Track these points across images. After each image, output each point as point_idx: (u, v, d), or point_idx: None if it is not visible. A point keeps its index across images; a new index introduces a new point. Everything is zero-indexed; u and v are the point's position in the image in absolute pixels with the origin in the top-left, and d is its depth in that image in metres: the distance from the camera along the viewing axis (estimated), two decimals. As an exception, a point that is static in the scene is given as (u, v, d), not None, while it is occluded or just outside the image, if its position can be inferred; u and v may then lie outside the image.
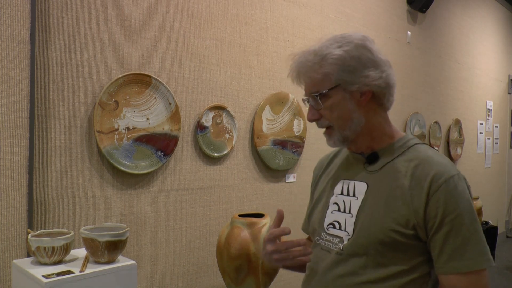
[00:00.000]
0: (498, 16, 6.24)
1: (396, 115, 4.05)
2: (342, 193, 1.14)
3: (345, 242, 1.07)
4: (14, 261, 1.66)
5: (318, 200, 1.22)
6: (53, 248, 1.57)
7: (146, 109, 2.15)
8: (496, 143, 6.31)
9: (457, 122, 5.08)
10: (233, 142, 2.56)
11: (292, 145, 2.91)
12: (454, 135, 5.02)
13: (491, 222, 5.08)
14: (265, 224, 2.23)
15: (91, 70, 1.99)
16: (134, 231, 2.15)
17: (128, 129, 2.09)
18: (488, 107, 5.97)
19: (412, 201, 1.00)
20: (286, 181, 2.93)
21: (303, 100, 1.14)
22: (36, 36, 1.81)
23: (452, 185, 0.98)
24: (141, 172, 2.14)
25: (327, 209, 1.16)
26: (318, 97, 1.07)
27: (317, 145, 3.13)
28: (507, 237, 6.45)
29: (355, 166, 1.15)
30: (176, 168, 2.32)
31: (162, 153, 2.21)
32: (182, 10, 2.34)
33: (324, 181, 1.24)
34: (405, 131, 4.17)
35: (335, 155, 1.28)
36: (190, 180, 2.38)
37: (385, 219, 1.02)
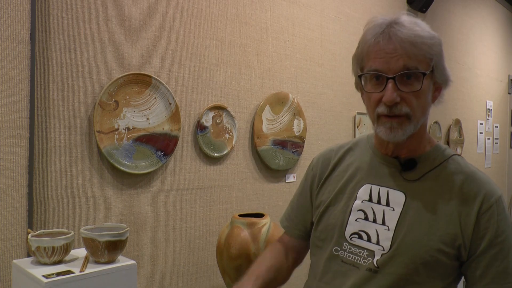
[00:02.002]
0: (498, 16, 6.24)
1: (396, 115, 4.05)
2: (370, 200, 1.00)
3: (378, 257, 0.95)
4: (14, 261, 1.66)
5: (332, 203, 1.06)
6: (53, 248, 1.57)
7: (146, 109, 2.15)
8: (496, 143, 6.31)
9: (457, 122, 5.08)
10: (233, 142, 2.56)
11: (292, 145, 2.91)
12: (454, 135, 5.02)
13: (491, 222, 5.09)
14: (265, 224, 2.23)
15: (91, 70, 1.99)
16: (134, 231, 2.15)
17: (128, 129, 2.09)
18: (488, 107, 5.97)
19: (460, 219, 0.92)
20: (286, 181, 2.93)
21: (366, 75, 0.95)
22: (36, 36, 1.81)
23: (502, 206, 0.93)
24: (141, 172, 2.14)
25: (349, 215, 1.01)
26: (423, 77, 0.91)
27: (317, 145, 3.13)
28: (507, 237, 6.46)
29: (386, 171, 1.01)
30: (176, 168, 2.32)
31: (162, 153, 2.21)
32: (182, 10, 2.34)
33: (338, 181, 1.08)
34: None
35: (346, 152, 1.12)
36: (190, 180, 2.38)
37: (431, 237, 0.92)
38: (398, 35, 0.90)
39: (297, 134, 2.95)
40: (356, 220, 1.00)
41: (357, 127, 3.52)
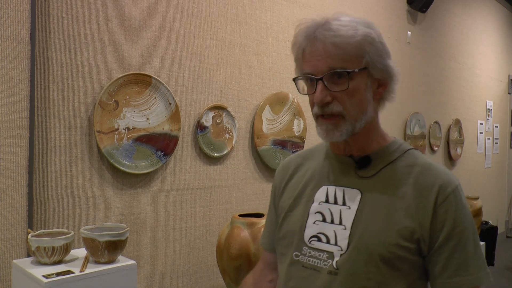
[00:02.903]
0: (498, 16, 6.24)
1: (396, 115, 4.06)
2: (327, 201, 0.98)
3: (337, 258, 0.92)
4: (14, 261, 1.66)
5: (291, 209, 1.04)
6: (53, 248, 1.57)
7: (146, 109, 2.15)
8: (496, 143, 6.31)
9: (457, 122, 5.08)
10: (233, 142, 2.56)
11: (292, 145, 2.91)
12: (454, 135, 5.02)
13: (491, 222, 5.08)
14: (265, 224, 2.23)
15: (91, 70, 1.99)
16: (134, 231, 2.15)
17: (128, 129, 2.09)
18: (488, 107, 5.97)
19: (417, 212, 0.90)
20: (286, 181, 2.93)
21: (299, 78, 0.97)
22: (36, 36, 1.81)
23: (459, 195, 0.91)
24: (141, 172, 2.14)
25: (307, 219, 0.99)
26: (348, 76, 0.90)
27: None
28: (507, 237, 6.46)
29: (342, 170, 1.00)
30: (176, 168, 2.32)
31: (162, 153, 2.21)
32: (182, 10, 2.34)
33: (296, 187, 1.06)
34: (405, 131, 4.18)
35: (304, 158, 1.11)
36: (190, 180, 2.38)
37: (388, 232, 0.90)
38: (321, 38, 0.90)
39: (297, 134, 2.95)
40: (314, 222, 0.98)
41: (357, 127, 3.52)
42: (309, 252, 0.97)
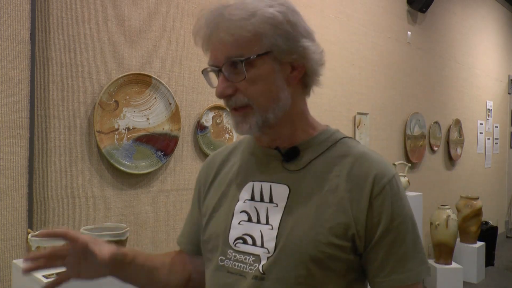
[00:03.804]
0: (498, 16, 6.24)
1: (396, 115, 4.06)
2: (253, 199, 0.88)
3: (264, 261, 0.82)
4: (14, 261, 1.66)
5: (216, 209, 0.94)
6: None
7: (146, 109, 2.15)
8: (496, 143, 6.32)
9: (457, 122, 5.08)
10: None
11: (292, 145, 2.91)
12: (454, 135, 5.02)
13: (491, 222, 5.09)
14: (265, 224, 2.23)
15: (91, 70, 1.99)
16: (134, 231, 2.15)
17: (128, 129, 2.09)
18: (488, 107, 5.97)
19: (351, 206, 0.81)
20: (286, 181, 2.93)
21: (207, 70, 0.91)
22: (36, 36, 1.81)
23: (395, 186, 0.83)
24: (141, 172, 2.14)
25: (231, 219, 0.89)
26: (244, 64, 0.81)
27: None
28: (507, 237, 6.46)
29: (268, 164, 0.90)
30: (176, 168, 2.32)
31: (162, 153, 2.21)
32: (182, 10, 2.34)
33: (221, 185, 0.96)
34: (405, 131, 4.17)
35: (230, 152, 1.01)
36: (190, 180, 2.38)
37: (318, 230, 0.80)
38: (217, 25, 0.82)
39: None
40: (239, 223, 0.88)
41: (357, 127, 3.52)
42: (234, 256, 0.86)
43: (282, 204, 0.85)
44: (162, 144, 2.21)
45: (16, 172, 1.77)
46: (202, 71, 0.92)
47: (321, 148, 0.88)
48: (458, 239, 4.30)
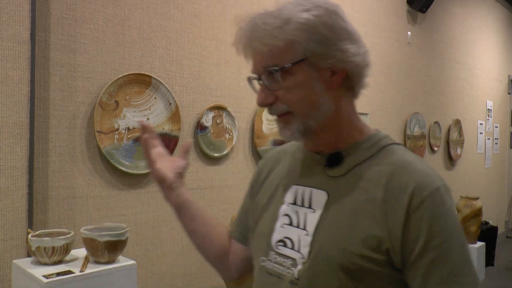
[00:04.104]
0: (498, 16, 6.24)
1: (396, 115, 4.06)
2: (295, 203, 0.89)
3: (300, 267, 0.83)
4: (14, 261, 1.66)
5: (265, 208, 0.96)
6: (53, 248, 1.57)
7: (146, 109, 2.15)
8: (496, 143, 6.31)
9: (457, 122, 5.08)
10: (233, 142, 2.56)
11: (292, 145, 2.91)
12: (454, 135, 5.02)
13: (491, 222, 5.09)
14: (265, 224, 2.23)
15: (91, 70, 1.99)
16: (134, 231, 2.15)
17: (128, 129, 2.09)
18: (488, 107, 5.97)
19: (386, 219, 0.77)
20: (286, 181, 2.93)
21: (250, 79, 0.89)
22: (36, 36, 1.81)
23: (439, 200, 0.77)
24: (141, 172, 2.14)
25: (276, 221, 0.90)
26: (278, 73, 0.81)
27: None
28: (507, 237, 6.46)
29: (312, 169, 0.90)
30: (176, 168, 2.31)
31: (162, 153, 2.21)
32: (182, 10, 2.34)
33: (271, 186, 0.98)
34: (405, 131, 4.17)
35: (283, 153, 1.03)
36: (190, 180, 2.38)
37: (350, 241, 0.78)
38: (251, 32, 0.82)
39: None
40: (282, 226, 0.89)
41: (357, 127, 3.52)
42: (275, 258, 0.88)
43: (319, 210, 0.84)
44: (162, 144, 2.20)
45: (16, 172, 1.77)
46: (247, 79, 0.91)
47: (364, 155, 0.85)
48: (458, 239, 4.29)
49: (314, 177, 0.88)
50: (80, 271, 1.54)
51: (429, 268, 0.75)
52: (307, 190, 0.88)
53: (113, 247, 1.62)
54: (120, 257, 1.71)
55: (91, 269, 1.57)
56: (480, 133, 5.78)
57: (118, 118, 2.06)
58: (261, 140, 2.72)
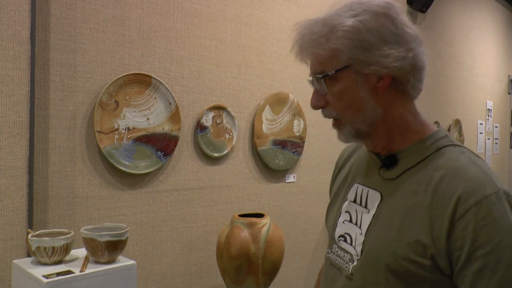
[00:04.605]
0: (498, 16, 6.24)
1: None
2: (355, 201, 0.92)
3: (354, 263, 0.87)
4: (14, 261, 1.66)
5: (333, 202, 1.02)
6: (53, 248, 1.57)
7: (146, 109, 2.15)
8: (496, 143, 6.31)
9: (457, 122, 5.09)
10: (233, 142, 2.56)
11: (292, 145, 2.91)
12: (454, 135, 5.03)
13: (491, 222, 5.09)
14: (265, 224, 2.23)
15: (91, 70, 1.99)
16: (134, 231, 2.15)
17: (128, 129, 2.09)
18: (488, 107, 5.97)
19: (432, 225, 0.77)
20: (286, 181, 2.93)
21: (309, 80, 0.92)
22: (36, 36, 1.81)
23: (486, 209, 0.74)
24: (141, 172, 2.14)
25: (339, 216, 0.96)
26: (323, 80, 0.84)
27: (317, 145, 3.13)
28: (507, 237, 6.46)
29: (371, 170, 0.92)
30: (176, 168, 2.32)
31: (162, 153, 2.21)
32: (182, 10, 2.34)
33: (340, 179, 1.03)
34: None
35: (355, 150, 1.05)
36: (190, 180, 2.38)
37: (398, 244, 0.80)
38: (301, 41, 0.86)
39: (297, 134, 2.95)
40: (343, 222, 0.94)
41: (357, 127, 3.52)
42: (337, 252, 0.94)
43: (372, 211, 0.87)
44: (162, 144, 2.21)
45: (16, 172, 1.77)
46: (308, 81, 0.93)
47: (419, 157, 0.85)
48: (458, 239, 4.30)
49: (372, 177, 0.91)
50: (80, 271, 1.54)
51: (476, 278, 0.74)
52: (365, 189, 0.91)
53: (113, 247, 1.62)
54: (120, 257, 1.71)
55: (91, 269, 1.57)
56: (480, 133, 5.78)
57: (118, 118, 2.06)
58: (261, 140, 2.72)
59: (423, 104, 4.45)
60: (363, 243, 0.86)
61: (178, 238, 2.34)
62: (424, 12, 4.36)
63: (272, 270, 2.23)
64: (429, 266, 0.78)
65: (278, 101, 2.83)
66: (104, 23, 2.03)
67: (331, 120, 0.91)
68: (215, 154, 2.47)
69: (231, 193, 2.60)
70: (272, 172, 2.83)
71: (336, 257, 0.94)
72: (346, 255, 0.91)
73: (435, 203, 0.78)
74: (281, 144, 2.84)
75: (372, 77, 0.83)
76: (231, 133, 2.55)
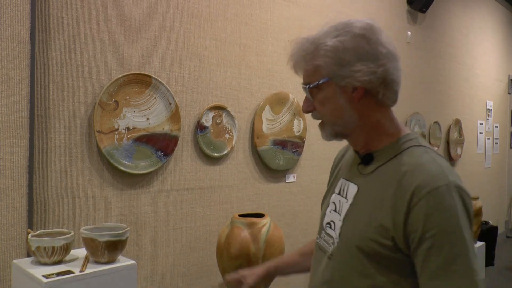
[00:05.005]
0: (498, 16, 6.24)
1: (396, 115, 4.05)
2: (339, 193, 1.09)
3: (335, 245, 1.03)
4: (14, 261, 1.66)
5: (326, 196, 1.18)
6: (53, 248, 1.57)
7: (146, 109, 2.15)
8: (496, 143, 6.31)
9: (457, 122, 5.08)
10: (233, 142, 2.56)
11: (292, 145, 2.91)
12: (454, 135, 5.02)
13: (491, 222, 5.08)
14: (265, 224, 2.23)
15: (91, 70, 1.99)
16: (134, 231, 2.15)
17: (128, 129, 2.09)
18: (488, 107, 5.97)
19: (393, 211, 0.92)
20: (286, 181, 2.93)
21: (303, 87, 1.08)
22: (36, 36, 1.81)
23: (436, 198, 0.88)
24: (141, 172, 2.14)
25: (328, 207, 1.12)
26: (309, 90, 1.02)
27: (317, 145, 3.13)
28: (507, 237, 6.46)
29: (352, 166, 1.09)
30: (176, 168, 2.32)
31: (162, 153, 2.21)
32: (182, 10, 2.34)
33: (334, 175, 1.20)
34: (405, 131, 4.17)
35: (346, 150, 1.22)
36: (190, 180, 2.38)
37: (367, 228, 0.95)
38: (292, 56, 1.03)
39: (297, 134, 2.95)
40: (330, 211, 1.10)
41: (357, 127, 3.52)
42: (324, 237, 1.10)
43: (350, 200, 1.04)
44: (162, 144, 2.21)
45: (16, 172, 1.77)
46: (302, 88, 1.10)
47: (390, 155, 1.00)
48: (458, 239, 4.29)
49: (352, 172, 1.08)
50: (80, 271, 1.54)
51: (426, 255, 0.88)
52: (347, 183, 1.08)
53: (113, 247, 1.62)
54: (120, 257, 1.71)
55: (91, 269, 1.57)
56: (480, 133, 5.78)
57: (118, 118, 2.06)
58: (261, 140, 2.73)
59: (423, 104, 4.46)
60: (340, 227, 1.03)
61: (178, 238, 2.34)
62: (424, 12, 4.36)
63: (272, 270, 2.22)
64: (391, 247, 0.92)
65: (278, 101, 2.83)
66: (104, 23, 2.03)
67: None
68: (215, 154, 2.47)
69: (231, 193, 2.60)
70: (272, 172, 2.83)
71: (323, 242, 1.09)
72: (330, 239, 1.06)
73: (398, 193, 0.93)
74: (281, 144, 2.84)
75: (348, 88, 0.99)
76: (231, 133, 2.55)
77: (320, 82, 0.99)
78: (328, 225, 1.08)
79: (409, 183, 0.91)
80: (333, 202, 1.10)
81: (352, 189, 1.04)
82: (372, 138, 1.03)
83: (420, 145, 1.00)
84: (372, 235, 0.94)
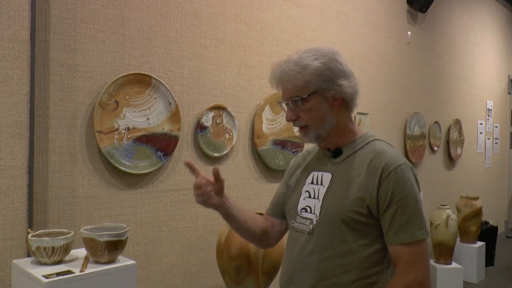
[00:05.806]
0: (498, 16, 6.24)
1: (396, 115, 4.06)
2: (312, 183, 1.34)
3: (314, 223, 1.27)
4: (14, 261, 1.66)
5: (293, 189, 1.40)
6: (53, 248, 1.57)
7: (146, 109, 2.15)
8: (496, 143, 6.31)
9: (457, 122, 5.08)
10: (233, 142, 2.56)
11: (292, 145, 2.91)
12: (454, 135, 5.02)
13: (491, 222, 5.09)
14: (265, 224, 2.23)
15: (91, 70, 1.99)
16: (134, 231, 2.15)
17: (128, 129, 2.09)
18: (488, 107, 5.97)
19: (367, 186, 1.21)
20: (286, 181, 2.93)
21: (280, 103, 1.33)
22: (36, 36, 1.81)
23: (399, 173, 1.20)
24: (141, 172, 2.14)
25: (300, 196, 1.35)
26: (299, 101, 1.25)
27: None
28: (507, 237, 6.45)
29: (323, 160, 1.36)
30: (176, 168, 2.32)
31: (162, 153, 2.21)
32: (182, 10, 2.34)
33: (299, 173, 1.42)
34: (405, 131, 4.18)
35: (309, 153, 1.47)
36: (190, 180, 2.38)
37: (345, 202, 1.22)
38: (281, 75, 1.27)
39: (297, 134, 2.95)
40: (304, 199, 1.33)
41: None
42: (300, 220, 1.32)
43: (326, 185, 1.29)
44: (162, 144, 2.21)
45: (16, 172, 1.77)
46: (279, 103, 1.37)
47: (355, 148, 1.30)
48: (458, 239, 4.30)
49: (325, 165, 1.34)
50: (80, 271, 1.54)
51: (393, 216, 1.19)
52: (320, 173, 1.34)
53: (113, 247, 1.62)
54: (120, 257, 1.71)
55: (91, 269, 1.57)
56: (480, 133, 5.78)
57: (118, 118, 2.06)
58: (261, 140, 2.72)
59: (423, 104, 4.46)
60: (320, 207, 1.27)
61: (178, 238, 2.34)
62: (424, 12, 4.36)
63: (272, 270, 2.23)
64: (367, 214, 1.21)
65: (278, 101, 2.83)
66: (104, 23, 2.03)
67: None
68: (215, 154, 2.47)
69: (231, 193, 2.60)
70: (272, 172, 2.83)
71: (299, 224, 1.32)
72: (306, 221, 1.30)
73: (369, 171, 1.23)
74: (281, 144, 2.84)
75: (330, 99, 1.27)
76: (231, 133, 2.55)
77: (310, 94, 1.25)
78: (304, 210, 1.32)
79: (378, 163, 1.22)
80: (307, 191, 1.33)
81: (327, 176, 1.30)
82: (341, 136, 1.32)
83: (378, 139, 1.33)
84: (351, 206, 1.21)
